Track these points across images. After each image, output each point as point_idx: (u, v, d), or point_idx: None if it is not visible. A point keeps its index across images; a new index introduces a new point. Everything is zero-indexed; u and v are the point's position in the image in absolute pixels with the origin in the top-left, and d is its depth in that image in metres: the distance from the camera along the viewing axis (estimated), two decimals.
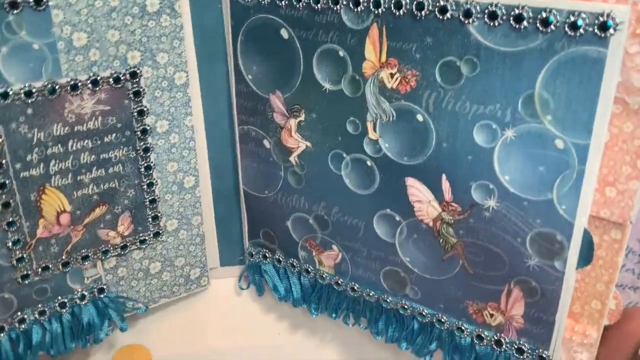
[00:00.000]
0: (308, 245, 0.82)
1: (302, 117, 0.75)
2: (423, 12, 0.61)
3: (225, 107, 0.83)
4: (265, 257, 0.88)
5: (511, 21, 0.57)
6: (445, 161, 0.65)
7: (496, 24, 0.57)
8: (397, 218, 0.72)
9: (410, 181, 0.69)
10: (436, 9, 0.60)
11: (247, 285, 0.91)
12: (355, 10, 0.65)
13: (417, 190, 0.69)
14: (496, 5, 0.57)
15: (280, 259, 0.86)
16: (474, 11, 0.58)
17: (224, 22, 0.77)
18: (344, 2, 0.66)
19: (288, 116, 0.76)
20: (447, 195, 0.66)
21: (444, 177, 0.66)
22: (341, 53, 0.68)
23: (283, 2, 0.70)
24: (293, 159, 0.78)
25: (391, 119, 0.67)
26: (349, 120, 0.71)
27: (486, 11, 0.57)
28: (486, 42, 0.59)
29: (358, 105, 0.69)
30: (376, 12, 0.64)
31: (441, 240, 0.69)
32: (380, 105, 0.68)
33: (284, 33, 0.72)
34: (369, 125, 0.70)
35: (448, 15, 0.60)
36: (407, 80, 0.65)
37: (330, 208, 0.78)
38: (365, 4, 0.64)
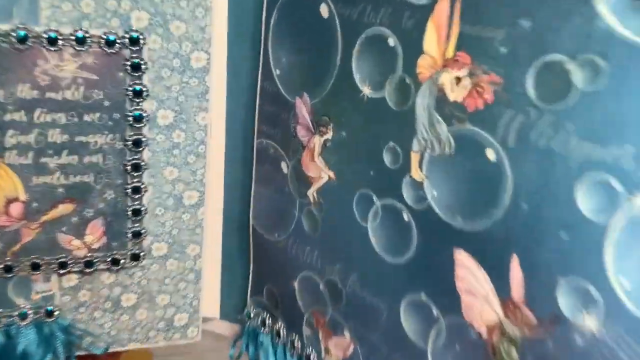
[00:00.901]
0: (315, 321, 0.60)
1: (330, 135, 0.55)
2: None
3: (249, 109, 0.63)
4: (264, 323, 0.66)
5: None
6: (521, 233, 0.41)
7: None
8: (435, 311, 0.48)
9: (462, 256, 0.45)
10: None
11: (238, 357, 0.69)
12: None
13: (469, 274, 0.45)
14: None
15: (281, 332, 0.65)
16: None
17: None
18: None
19: (313, 132, 0.56)
20: (517, 290, 0.42)
21: (515, 259, 0.42)
22: (391, 41, 0.48)
23: None
24: (312, 193, 0.58)
25: (447, 150, 0.45)
26: (387, 147, 0.49)
27: None
28: (625, 31, 0.35)
29: (403, 124, 0.47)
30: None
31: None
32: (434, 128, 0.45)
33: (324, 9, 0.53)
34: (414, 158, 0.47)
35: None
36: (480, 90, 0.42)
37: (347, 274, 0.55)
38: None
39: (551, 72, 0.38)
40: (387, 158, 0.49)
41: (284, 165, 0.60)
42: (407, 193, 0.48)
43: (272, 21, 0.58)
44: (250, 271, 0.68)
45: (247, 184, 0.66)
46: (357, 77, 0.51)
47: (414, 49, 0.46)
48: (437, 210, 0.46)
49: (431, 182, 0.46)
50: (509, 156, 0.41)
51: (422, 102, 0.46)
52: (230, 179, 0.66)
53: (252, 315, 0.68)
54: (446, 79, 0.44)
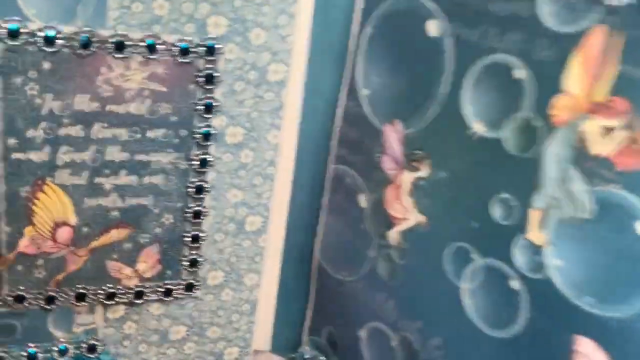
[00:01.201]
0: None
1: (424, 173, 0.48)
2: None
3: (325, 130, 0.57)
4: None
5: None
6: None
7: None
8: None
9: (585, 346, 0.38)
10: None
11: None
12: None
13: None
14: None
15: None
16: None
17: (355, 1, 0.52)
18: None
19: (403, 166, 0.49)
20: None
21: None
22: (519, 73, 0.41)
23: None
24: (394, 235, 0.51)
25: (583, 214, 0.38)
26: (498, 197, 0.42)
27: None
28: None
29: (523, 174, 0.41)
30: (613, 3, 0.35)
31: None
32: (567, 185, 0.38)
33: (433, 27, 0.46)
34: (534, 216, 0.40)
35: None
36: (637, 146, 0.35)
37: (428, 335, 0.48)
38: None
39: None
40: (496, 211, 0.42)
41: (362, 198, 0.54)
42: (519, 256, 0.41)
43: (365, 35, 0.51)
44: (310, 308, 0.62)
45: (313, 211, 0.59)
46: (467, 110, 0.44)
47: (549, 85, 0.39)
48: (558, 284, 0.39)
49: (556, 249, 0.39)
50: None
51: (555, 151, 0.39)
52: (296, 205, 0.59)
53: (306, 356, 0.62)
54: (591, 127, 0.37)
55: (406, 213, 0.49)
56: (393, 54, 0.50)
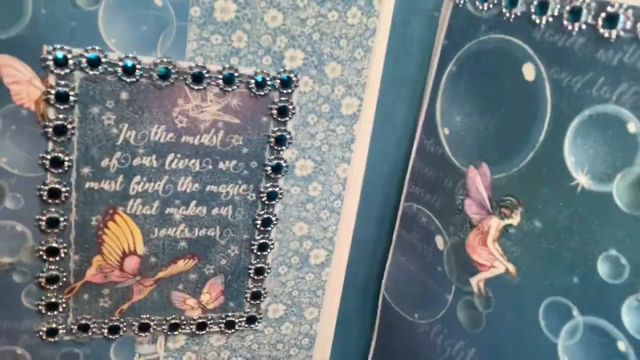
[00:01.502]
0: None
1: (515, 221, 0.45)
2: None
3: (396, 165, 0.55)
4: None
5: None
6: None
7: None
8: None
9: None
10: None
11: None
12: None
13: None
14: None
15: None
16: None
17: (435, 38, 0.51)
18: None
19: (490, 211, 0.47)
20: None
21: None
22: (632, 127, 0.38)
23: (543, 18, 0.42)
24: (476, 282, 0.49)
25: None
26: (605, 255, 0.39)
27: None
28: None
29: (636, 232, 0.38)
30: None
31: None
32: None
33: (529, 71, 0.44)
34: None
35: None
36: None
37: None
38: None
39: None
40: (603, 268, 0.40)
41: (439, 240, 0.52)
42: (629, 317, 0.38)
43: (447, 72, 0.50)
44: (373, 345, 0.60)
45: (379, 245, 0.58)
46: (569, 160, 0.41)
47: None
48: None
49: None
50: None
51: None
52: (360, 238, 0.58)
53: None
54: None
55: (492, 261, 0.47)
56: (480, 94, 0.48)
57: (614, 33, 0.38)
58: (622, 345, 0.39)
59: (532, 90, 0.43)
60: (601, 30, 0.39)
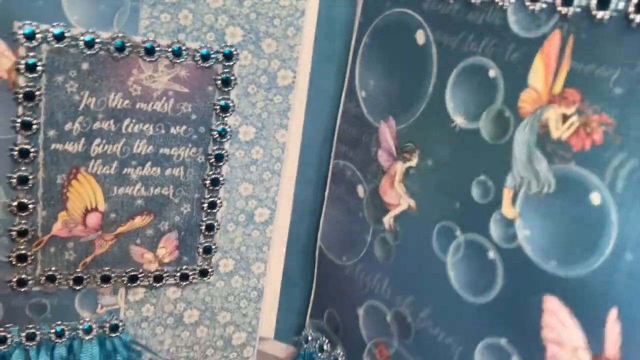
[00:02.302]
0: (378, 352, 0.59)
1: (414, 162, 0.54)
2: None
3: (328, 130, 0.63)
4: (322, 349, 0.66)
5: None
6: (623, 286, 0.39)
7: None
8: (515, 359, 0.46)
9: (552, 304, 0.43)
10: None
11: None
12: (532, 7, 0.44)
13: (558, 324, 0.43)
14: None
15: (339, 359, 0.63)
16: None
17: (355, 17, 0.59)
18: None
19: (395, 157, 0.55)
20: (612, 346, 0.40)
21: (613, 313, 0.40)
22: (492, 72, 0.47)
23: None
24: (388, 220, 0.57)
25: (546, 190, 0.43)
26: (477, 180, 0.48)
27: None
28: None
29: (497, 159, 0.46)
30: (564, 12, 0.42)
31: None
32: (533, 165, 0.44)
33: (420, 36, 0.53)
34: (506, 194, 0.46)
35: None
36: (589, 129, 0.41)
37: (419, 308, 0.54)
38: None
39: None
40: (476, 191, 0.48)
41: (360, 189, 0.60)
42: (495, 230, 0.47)
43: (362, 44, 0.58)
44: (312, 293, 0.67)
45: (316, 204, 0.66)
46: (450, 106, 0.50)
47: (517, 82, 0.45)
48: (528, 251, 0.44)
49: (525, 221, 0.44)
50: (616, 201, 0.39)
51: (522, 138, 0.45)
52: (300, 198, 0.66)
53: (309, 338, 0.67)
54: (551, 115, 0.43)
55: (399, 199, 0.55)
56: (387, 60, 0.56)
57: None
58: (491, 254, 0.47)
59: (423, 52, 0.52)
60: None
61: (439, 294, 0.52)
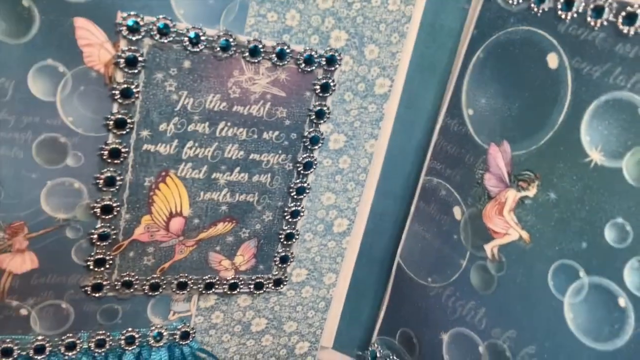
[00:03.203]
0: None
1: (531, 193, 0.51)
2: None
3: (418, 144, 0.61)
4: None
5: None
6: None
7: None
8: None
9: None
10: None
11: None
12: None
13: None
14: None
15: None
16: None
17: (465, 28, 0.56)
18: None
19: (508, 184, 0.53)
20: None
21: None
22: None
23: (569, 14, 0.48)
24: (490, 248, 0.54)
25: None
26: (612, 222, 0.45)
27: None
28: None
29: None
30: None
31: None
32: None
33: (553, 60, 0.49)
34: None
35: None
36: None
37: (523, 343, 0.51)
38: None
39: None
40: (609, 234, 0.45)
41: (457, 211, 0.57)
42: (630, 277, 0.44)
43: (474, 58, 0.55)
44: (383, 309, 0.65)
45: (396, 218, 0.63)
46: (585, 139, 0.47)
47: None
48: None
49: None
50: None
51: None
52: (377, 210, 0.63)
53: (377, 355, 0.65)
54: None
55: (507, 229, 0.52)
56: (505, 79, 0.53)
57: (632, 30, 0.44)
58: (622, 302, 0.44)
59: (555, 77, 0.49)
60: (621, 27, 0.45)
61: (551, 333, 0.49)
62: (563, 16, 0.49)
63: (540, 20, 0.50)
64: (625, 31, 0.44)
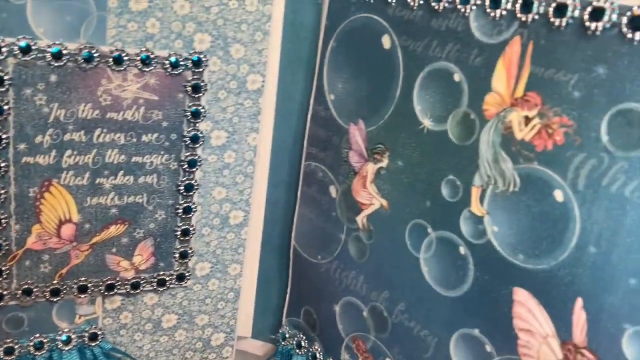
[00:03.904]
0: (355, 346, 0.61)
1: (385, 163, 0.55)
2: (600, 24, 0.39)
3: (298, 132, 0.64)
4: (299, 345, 0.67)
5: None
6: (587, 277, 0.41)
7: None
8: (489, 348, 0.48)
9: (521, 295, 0.45)
10: (624, 19, 0.38)
11: None
12: (493, 14, 0.45)
13: (528, 313, 0.45)
14: None
15: (317, 355, 0.65)
16: None
17: (321, 21, 0.60)
18: (478, 1, 0.46)
19: (366, 159, 0.57)
20: (579, 333, 0.42)
21: (579, 302, 0.42)
22: (457, 77, 0.48)
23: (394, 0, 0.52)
24: (361, 219, 0.58)
25: (512, 188, 0.45)
26: (446, 179, 0.50)
27: None
28: None
29: (465, 159, 0.48)
30: (524, 19, 0.43)
31: None
32: (499, 165, 0.46)
33: (386, 41, 0.54)
34: (474, 192, 0.48)
35: None
36: (550, 131, 0.42)
37: (395, 302, 0.56)
38: (509, 6, 0.44)
39: (626, 120, 0.38)
40: (445, 190, 0.49)
41: (332, 190, 0.61)
42: (465, 227, 0.48)
43: (329, 48, 0.59)
44: (288, 292, 0.68)
45: (289, 205, 0.66)
46: (417, 109, 0.51)
47: (480, 86, 0.46)
48: (497, 246, 0.46)
49: (493, 218, 0.46)
50: (578, 199, 0.41)
51: (487, 139, 0.46)
52: (272, 199, 0.66)
53: (287, 336, 0.68)
54: (514, 117, 0.44)
55: (371, 199, 0.57)
56: (354, 63, 0.57)
57: (441, 5, 0.48)
58: (462, 250, 0.49)
59: (389, 56, 0.53)
60: (432, 3, 0.49)
61: (414, 288, 0.53)
62: (392, 1, 0.53)
63: (373, 6, 0.54)
64: (436, 7, 0.49)
